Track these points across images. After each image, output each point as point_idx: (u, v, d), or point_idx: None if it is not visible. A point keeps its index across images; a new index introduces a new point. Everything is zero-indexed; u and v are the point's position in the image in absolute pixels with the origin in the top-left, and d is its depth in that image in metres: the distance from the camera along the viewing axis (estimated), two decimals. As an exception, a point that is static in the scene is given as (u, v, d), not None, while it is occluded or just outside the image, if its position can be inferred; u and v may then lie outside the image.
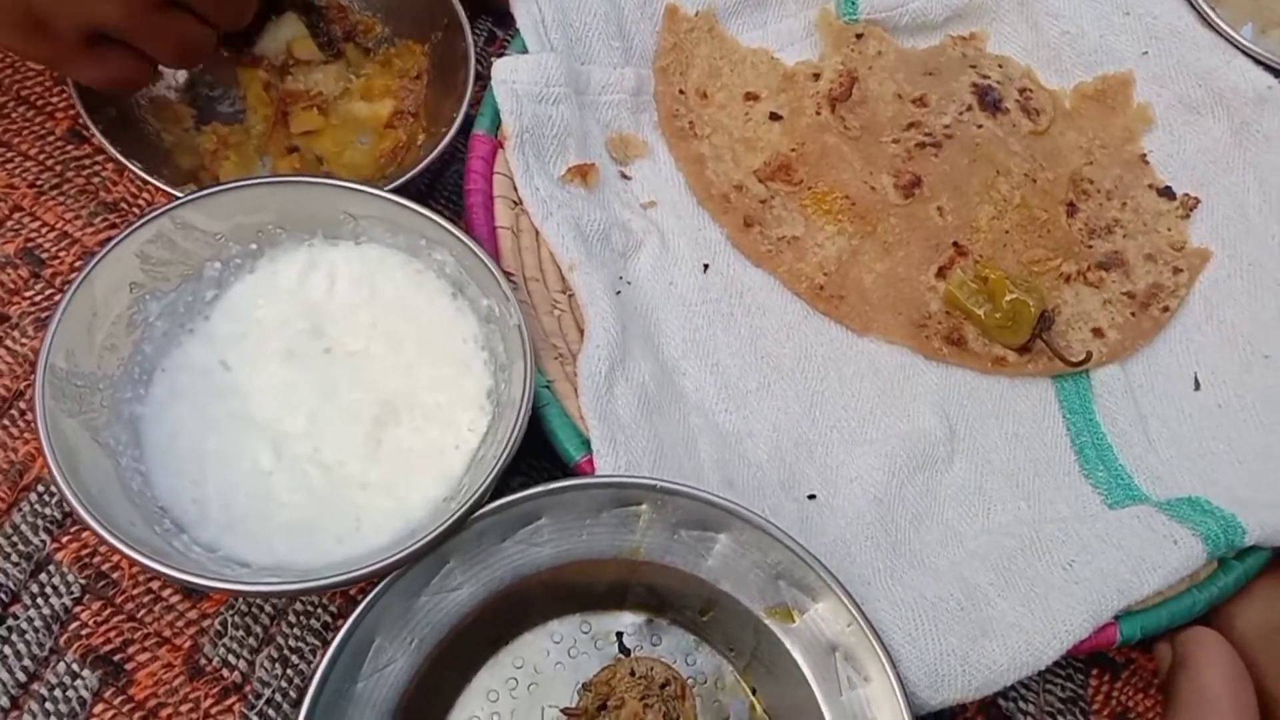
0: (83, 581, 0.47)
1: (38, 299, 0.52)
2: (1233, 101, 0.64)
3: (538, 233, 0.54)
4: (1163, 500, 0.52)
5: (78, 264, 0.53)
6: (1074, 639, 0.46)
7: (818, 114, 0.61)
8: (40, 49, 0.46)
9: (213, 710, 0.45)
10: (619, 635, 0.48)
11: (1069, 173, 0.62)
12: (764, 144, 0.61)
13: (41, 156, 0.55)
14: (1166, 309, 0.59)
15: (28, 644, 0.45)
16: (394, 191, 0.49)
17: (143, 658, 0.46)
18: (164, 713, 0.45)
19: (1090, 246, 0.60)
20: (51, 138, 0.56)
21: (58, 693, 0.44)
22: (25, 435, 0.49)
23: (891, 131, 0.62)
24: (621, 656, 0.47)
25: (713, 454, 0.50)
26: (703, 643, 0.48)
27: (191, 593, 0.47)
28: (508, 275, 0.50)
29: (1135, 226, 0.62)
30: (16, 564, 0.47)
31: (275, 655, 0.47)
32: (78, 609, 0.46)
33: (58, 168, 0.55)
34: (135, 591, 0.47)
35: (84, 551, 0.47)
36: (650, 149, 0.60)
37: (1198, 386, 0.58)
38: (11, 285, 0.52)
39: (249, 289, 0.50)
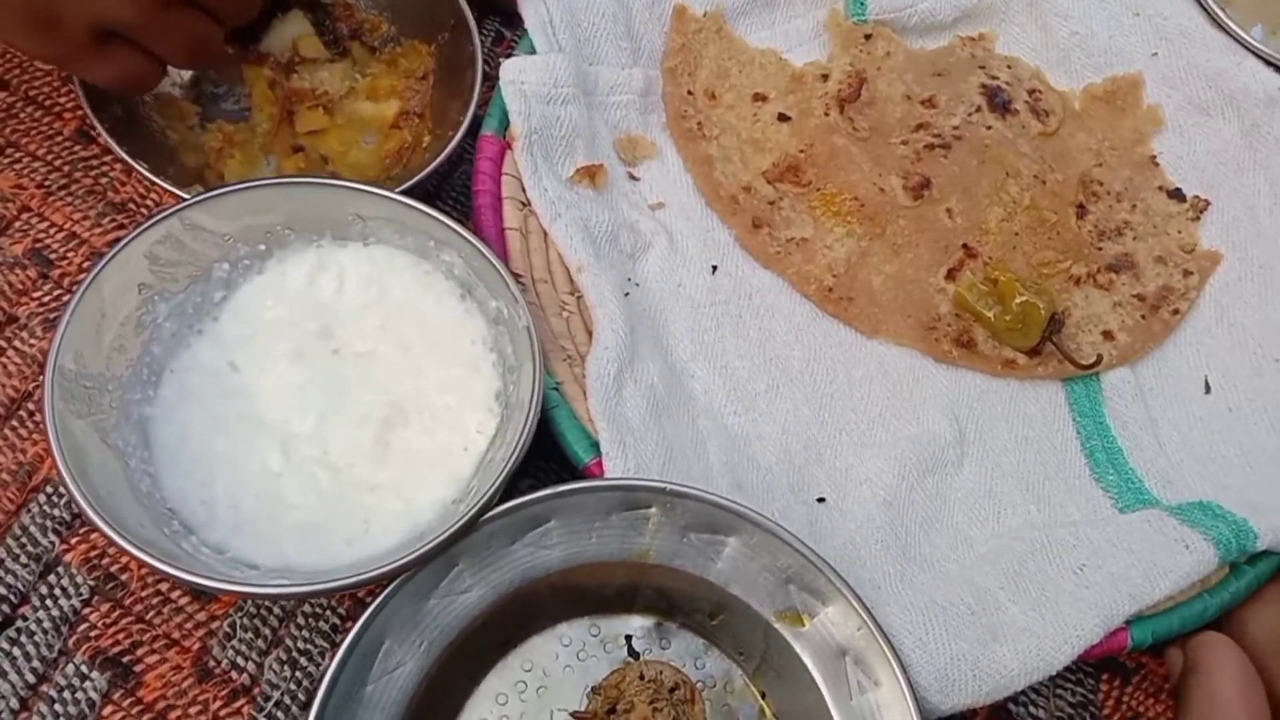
0: (91, 583, 0.47)
1: (46, 300, 0.52)
2: (1243, 103, 0.64)
3: (546, 234, 0.54)
4: (1174, 504, 0.52)
5: (86, 265, 0.53)
6: (1085, 644, 0.46)
7: (826, 115, 0.61)
8: (50, 47, 0.46)
9: (221, 712, 0.45)
10: (628, 638, 0.47)
11: (1078, 174, 0.62)
12: (772, 145, 0.61)
13: (49, 157, 0.55)
14: (1177, 311, 0.59)
15: (36, 645, 0.45)
16: (402, 193, 0.49)
17: (151, 659, 0.46)
18: (173, 715, 0.45)
19: (1100, 249, 0.60)
20: (59, 138, 0.56)
21: (66, 694, 0.44)
22: (34, 436, 0.49)
23: (900, 133, 0.61)
24: (631, 660, 0.47)
25: (722, 457, 0.50)
26: (712, 646, 0.48)
27: (200, 594, 0.47)
28: (516, 277, 0.50)
29: (1145, 229, 0.62)
30: (25, 565, 0.46)
31: (284, 657, 0.47)
32: (86, 610, 0.46)
33: (65, 168, 0.55)
34: (144, 593, 0.47)
35: (93, 553, 0.47)
36: (658, 150, 0.60)
37: (1208, 390, 0.58)
38: (20, 286, 0.52)
39: (257, 290, 0.50)
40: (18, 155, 0.55)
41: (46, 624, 0.46)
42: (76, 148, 0.56)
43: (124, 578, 0.47)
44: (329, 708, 0.40)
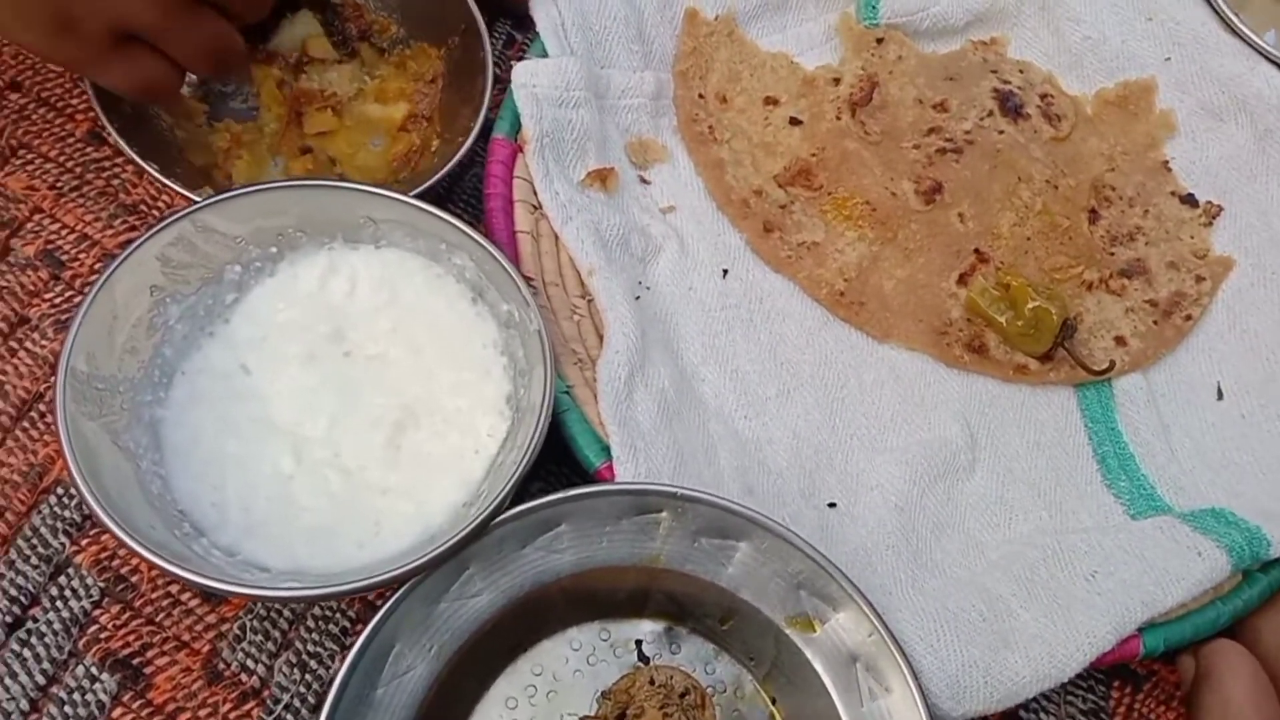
0: (102, 585, 0.47)
1: (58, 301, 0.52)
2: (1256, 108, 0.64)
3: (557, 237, 0.54)
4: (1186, 511, 0.52)
5: (98, 266, 0.53)
6: (1097, 651, 0.46)
7: (838, 119, 0.61)
8: (69, 50, 0.46)
9: (231, 715, 0.45)
10: (638, 643, 0.47)
11: (1091, 179, 0.62)
12: (784, 149, 0.61)
13: (61, 159, 0.55)
14: (1189, 317, 0.59)
15: (47, 647, 0.45)
16: (414, 196, 0.49)
17: (161, 662, 0.46)
18: (182, 717, 0.45)
19: (1112, 254, 0.60)
20: (71, 139, 0.56)
21: (76, 696, 0.44)
22: (45, 438, 0.49)
23: (912, 137, 0.61)
24: (641, 665, 0.47)
25: (732, 461, 0.50)
26: (722, 651, 0.47)
27: (210, 597, 0.47)
28: (527, 280, 0.50)
29: (1157, 234, 0.61)
30: (36, 566, 0.47)
31: (294, 660, 0.47)
32: (97, 612, 0.46)
33: (77, 169, 0.55)
34: (154, 595, 0.47)
35: (103, 555, 0.47)
36: (670, 153, 0.60)
37: (1221, 396, 0.57)
38: (31, 287, 0.52)
39: (269, 292, 0.50)
40: (30, 157, 0.55)
41: (57, 625, 0.46)
42: (88, 149, 0.56)
43: (134, 580, 0.47)
44: (339, 711, 0.40)
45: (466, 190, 0.60)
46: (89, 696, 0.44)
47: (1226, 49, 0.65)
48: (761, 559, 0.45)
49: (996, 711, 0.45)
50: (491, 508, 0.43)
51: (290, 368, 0.49)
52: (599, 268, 0.52)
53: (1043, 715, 0.51)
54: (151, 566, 0.41)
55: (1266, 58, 0.65)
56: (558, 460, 0.51)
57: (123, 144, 0.50)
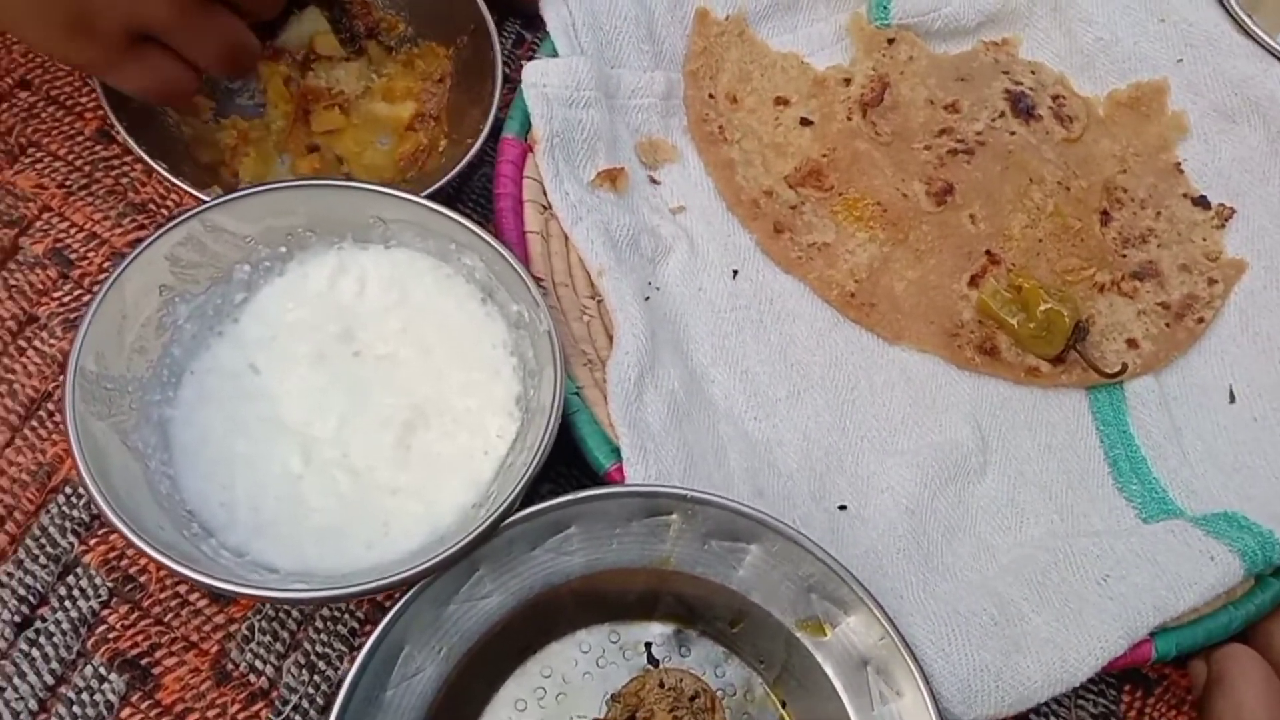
0: (110, 585, 0.47)
1: (66, 300, 0.52)
2: (1269, 110, 0.63)
3: (567, 238, 0.54)
4: (1198, 515, 0.52)
5: (106, 265, 0.53)
6: (1109, 655, 0.46)
7: (849, 119, 0.61)
8: (85, 52, 0.45)
9: (239, 716, 0.45)
10: (648, 646, 0.47)
11: (1102, 181, 0.62)
12: (794, 149, 0.60)
13: (70, 157, 0.55)
14: (1201, 320, 0.59)
15: (55, 647, 0.45)
16: (424, 196, 0.49)
17: (170, 662, 0.45)
18: (191, 718, 0.45)
19: (1124, 256, 0.60)
20: (80, 138, 0.56)
21: (85, 696, 0.44)
22: (54, 437, 0.49)
23: (923, 138, 0.61)
24: (650, 667, 0.47)
25: (742, 463, 0.50)
26: (732, 654, 0.47)
27: (219, 597, 0.47)
28: (537, 281, 0.49)
29: (1170, 236, 0.61)
30: (45, 566, 0.46)
31: (302, 661, 0.46)
32: (105, 612, 0.46)
33: (86, 168, 0.55)
34: (162, 595, 0.47)
35: (111, 554, 0.47)
36: (680, 153, 0.60)
37: (1233, 399, 0.57)
38: (40, 286, 0.52)
39: (278, 292, 0.50)
40: (39, 155, 0.55)
41: (65, 625, 0.45)
42: (97, 147, 0.56)
43: (143, 580, 0.47)
44: (348, 713, 0.40)
45: (475, 190, 0.60)
46: (97, 697, 0.44)
47: (1239, 51, 0.65)
48: (772, 562, 0.45)
49: (1007, 715, 0.45)
50: (501, 509, 0.42)
51: (299, 367, 0.48)
52: (609, 268, 0.52)
53: (1053, 719, 0.51)
54: (160, 567, 0.41)
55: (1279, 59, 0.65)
56: (567, 461, 0.50)
57: (131, 143, 0.50)
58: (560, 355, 0.46)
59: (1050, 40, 0.67)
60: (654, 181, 0.59)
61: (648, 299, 0.53)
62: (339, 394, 0.48)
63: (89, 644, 0.45)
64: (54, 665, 0.45)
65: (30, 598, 0.46)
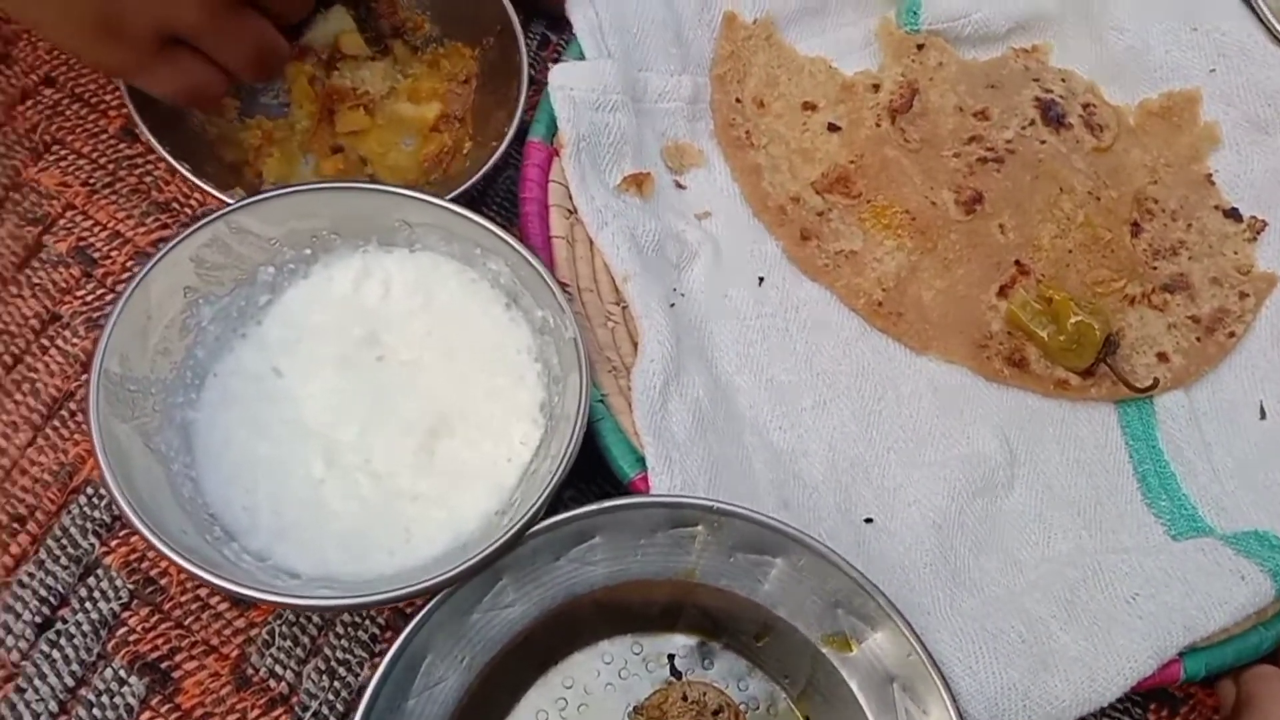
0: (131, 587, 0.46)
1: (89, 299, 0.52)
2: (1303, 122, 0.63)
3: (592, 243, 0.53)
4: (1228, 533, 0.51)
5: (129, 264, 0.53)
6: (1138, 675, 0.45)
7: (877, 126, 0.60)
8: (115, 56, 0.45)
9: (259, 722, 0.45)
10: (670, 658, 0.47)
11: (1133, 191, 0.61)
12: (822, 155, 0.60)
13: (95, 155, 0.55)
14: (1232, 334, 0.58)
15: (75, 649, 0.45)
16: (449, 199, 0.49)
17: (190, 666, 0.45)
18: (210, 723, 0.45)
19: (1155, 268, 0.59)
20: (105, 135, 0.56)
21: (105, 699, 0.44)
22: (75, 437, 0.49)
23: (952, 145, 0.60)
24: (673, 680, 0.46)
25: (768, 474, 0.49)
26: (756, 668, 0.47)
27: (239, 602, 0.47)
28: (563, 286, 0.49)
29: (1200, 248, 0.60)
30: (66, 567, 0.46)
31: (322, 667, 0.46)
32: (125, 614, 0.46)
33: (110, 166, 0.55)
34: (183, 598, 0.46)
35: (132, 556, 0.47)
36: (706, 158, 0.59)
37: (1264, 415, 0.56)
38: (64, 284, 0.52)
39: (302, 295, 0.50)
40: (63, 153, 0.55)
41: (86, 627, 0.45)
42: (121, 145, 0.56)
43: (163, 582, 0.47)
44: (371, 722, 0.39)
45: (500, 193, 0.60)
46: (117, 700, 0.44)
47: (1273, 61, 0.64)
48: (798, 576, 0.44)
49: (1035, 735, 0.45)
50: (526, 518, 0.42)
51: (323, 371, 0.48)
52: (634, 274, 0.52)
53: (1079, 738, 0.50)
54: (181, 570, 0.41)
55: (1314, 71, 0.64)
56: (590, 469, 0.50)
57: (156, 144, 0.50)
58: (586, 362, 0.45)
59: (1081, 48, 0.66)
60: (680, 186, 0.58)
61: (673, 305, 0.53)
62: (362, 398, 0.48)
63: (109, 646, 0.45)
64: (74, 667, 0.44)
65: (51, 599, 0.46)
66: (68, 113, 0.56)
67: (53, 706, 0.43)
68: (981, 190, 0.59)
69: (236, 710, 0.45)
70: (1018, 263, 0.57)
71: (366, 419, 0.47)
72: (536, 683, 0.46)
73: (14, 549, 0.46)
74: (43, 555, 0.46)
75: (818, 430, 0.52)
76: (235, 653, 0.46)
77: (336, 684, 0.46)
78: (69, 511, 0.47)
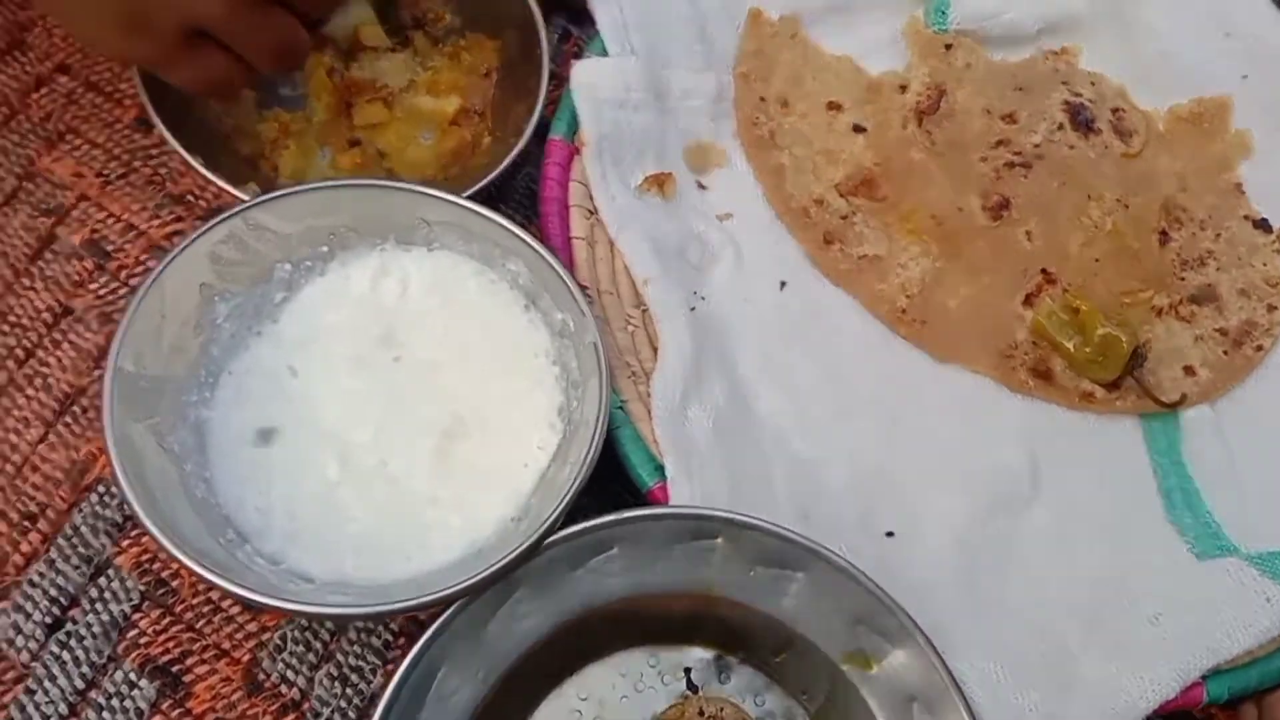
0: (142, 588, 0.46)
1: (103, 292, 0.51)
2: (1336, 133, 0.62)
3: (612, 244, 0.52)
4: (1253, 553, 0.50)
5: (143, 258, 0.52)
6: (1161, 698, 0.45)
7: (904, 128, 0.59)
8: (140, 49, 0.45)
9: (270, 728, 0.44)
10: (687, 671, 0.46)
11: (1161, 199, 0.60)
12: (846, 156, 0.59)
13: (109, 145, 0.54)
14: (1260, 348, 0.57)
15: (86, 650, 0.44)
16: (466, 196, 0.48)
17: (201, 670, 0.45)
18: (221, 728, 0.44)
19: (1182, 279, 0.58)
20: (120, 125, 0.55)
21: (115, 702, 0.44)
22: (87, 434, 0.48)
23: (979, 149, 0.59)
24: (689, 694, 0.46)
25: (788, 484, 0.49)
26: (774, 684, 0.46)
27: (251, 606, 0.46)
28: (583, 289, 0.48)
29: (1229, 259, 0.59)
30: (77, 567, 0.46)
31: (334, 673, 0.46)
32: (137, 616, 0.45)
33: (125, 156, 0.54)
34: (195, 601, 0.46)
35: (144, 557, 0.46)
36: (728, 158, 0.58)
37: (1291, 432, 0.55)
38: (77, 277, 0.51)
39: (319, 292, 0.49)
40: (78, 142, 0.54)
41: (96, 628, 0.45)
42: (136, 136, 0.55)
43: (175, 584, 0.46)
44: (385, 733, 0.39)
45: (518, 190, 0.59)
46: (127, 703, 0.44)
47: (1307, 68, 0.63)
48: (819, 591, 0.43)
49: (1055, 757, 0.44)
50: (545, 526, 0.41)
51: (338, 371, 0.48)
52: (654, 277, 0.51)
53: (1097, 757, 0.49)
54: (193, 572, 0.40)
55: (1349, 79, 0.63)
56: (608, 475, 0.49)
57: (170, 137, 0.49)
58: (606, 368, 0.45)
59: (1112, 50, 0.65)
60: (701, 187, 0.57)
61: (693, 309, 0.52)
62: (378, 399, 0.47)
63: (120, 648, 0.45)
64: (84, 669, 0.44)
65: (61, 599, 0.45)
66: (82, 101, 0.55)
67: (62, 709, 0.43)
68: (1008, 196, 0.58)
69: (248, 716, 0.44)
70: (1044, 271, 0.56)
71: (382, 421, 0.47)
72: (551, 694, 0.45)
73: (24, 547, 0.46)
74: (53, 554, 0.46)
75: (839, 439, 0.51)
76: (247, 657, 0.45)
77: (349, 691, 0.45)
78: (80, 510, 0.47)
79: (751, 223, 0.57)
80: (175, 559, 0.39)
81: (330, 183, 0.47)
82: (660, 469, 0.46)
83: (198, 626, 0.46)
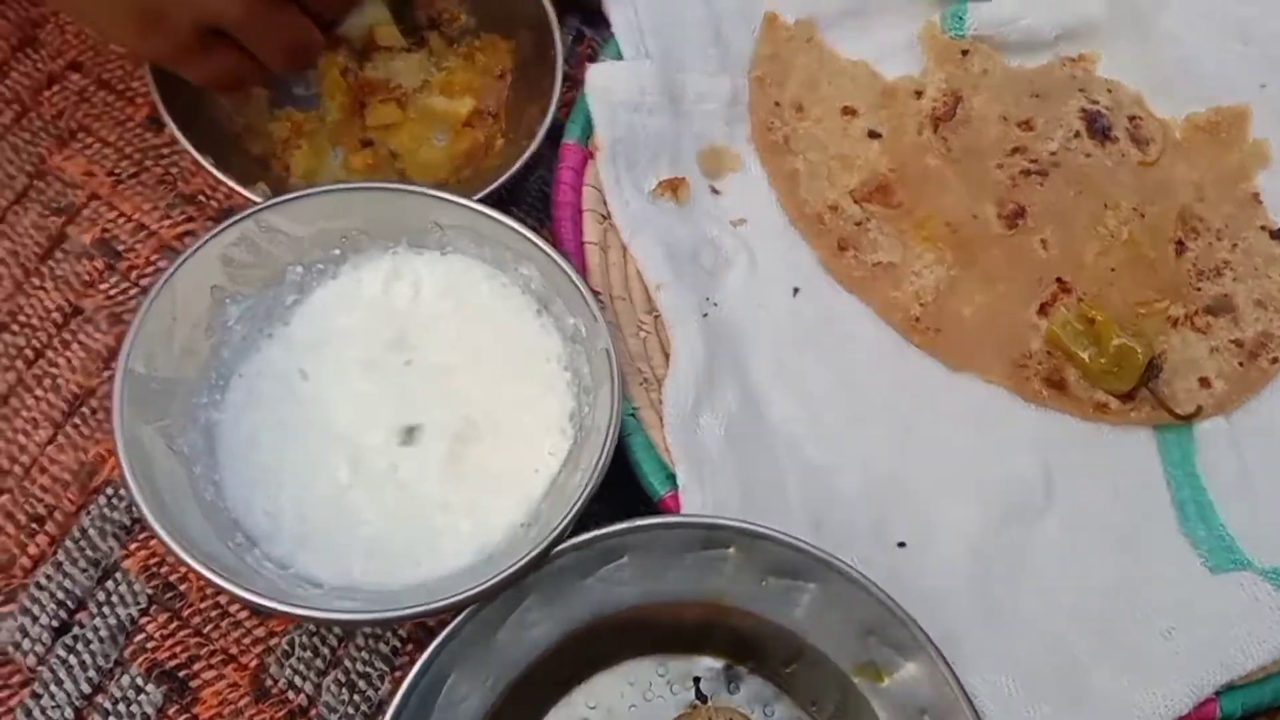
0: (150, 592, 0.46)
1: (113, 293, 0.51)
2: (1354, 143, 0.61)
3: (625, 249, 0.52)
4: (1267, 567, 0.49)
5: (154, 258, 0.52)
6: (1174, 714, 0.44)
7: (919, 134, 0.59)
8: (155, 46, 0.45)
9: (277, 734, 0.44)
10: (696, 680, 0.46)
11: (1178, 208, 0.59)
12: (861, 162, 0.58)
13: (120, 143, 0.54)
14: (1276, 360, 0.56)
15: (93, 654, 0.44)
16: (478, 199, 0.48)
17: (208, 675, 0.45)
18: (228, 734, 0.44)
19: (1198, 289, 0.57)
20: (131, 124, 0.55)
21: (121, 707, 0.44)
22: (96, 436, 0.48)
23: (995, 156, 0.59)
24: (698, 703, 0.45)
25: (800, 492, 0.48)
26: (783, 694, 0.46)
27: (259, 611, 0.46)
28: (595, 294, 0.48)
29: (1245, 270, 0.59)
30: (84, 570, 0.45)
31: (342, 679, 0.45)
32: (144, 620, 0.45)
33: (136, 155, 0.54)
34: (202, 605, 0.46)
35: (152, 560, 0.46)
36: (742, 163, 0.58)
37: (1307, 446, 0.55)
38: (87, 277, 0.51)
39: (331, 295, 0.49)
40: (89, 140, 0.54)
41: (104, 632, 0.45)
42: (148, 135, 0.55)
43: (183, 588, 0.46)
44: (393, 741, 0.39)
45: (531, 193, 0.58)
46: (134, 708, 0.44)
47: (1327, 78, 0.62)
48: (831, 602, 0.43)
49: (1067, 772, 0.44)
50: (555, 535, 0.41)
51: (350, 374, 0.47)
52: (667, 283, 0.51)
53: (1108, 772, 0.49)
54: (200, 576, 0.40)
55: (1368, 89, 0.62)
56: (618, 482, 0.49)
57: (180, 136, 0.49)
58: (619, 374, 0.45)
59: (1129, 58, 0.64)
60: (715, 192, 0.57)
61: (706, 315, 0.51)
62: (389, 403, 0.47)
63: (127, 653, 0.45)
64: (91, 674, 0.44)
65: (69, 602, 0.45)
66: (94, 99, 0.55)
67: (68, 713, 0.43)
68: (1024, 204, 0.57)
69: (255, 722, 0.44)
70: (1059, 280, 0.56)
71: (393, 424, 0.47)
72: (560, 702, 0.45)
73: (32, 549, 0.45)
74: (61, 557, 0.45)
75: (852, 447, 0.51)
76: (254, 663, 0.45)
77: (356, 697, 0.45)
78: (88, 512, 0.47)
79: (765, 228, 0.56)
80: (183, 563, 0.38)
81: (342, 185, 0.47)
82: (672, 477, 0.46)
83: (205, 631, 0.45)
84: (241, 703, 0.44)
